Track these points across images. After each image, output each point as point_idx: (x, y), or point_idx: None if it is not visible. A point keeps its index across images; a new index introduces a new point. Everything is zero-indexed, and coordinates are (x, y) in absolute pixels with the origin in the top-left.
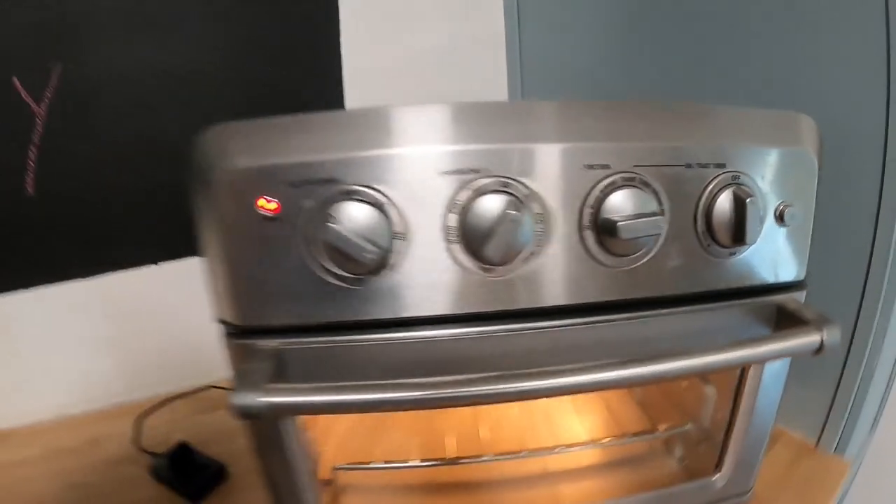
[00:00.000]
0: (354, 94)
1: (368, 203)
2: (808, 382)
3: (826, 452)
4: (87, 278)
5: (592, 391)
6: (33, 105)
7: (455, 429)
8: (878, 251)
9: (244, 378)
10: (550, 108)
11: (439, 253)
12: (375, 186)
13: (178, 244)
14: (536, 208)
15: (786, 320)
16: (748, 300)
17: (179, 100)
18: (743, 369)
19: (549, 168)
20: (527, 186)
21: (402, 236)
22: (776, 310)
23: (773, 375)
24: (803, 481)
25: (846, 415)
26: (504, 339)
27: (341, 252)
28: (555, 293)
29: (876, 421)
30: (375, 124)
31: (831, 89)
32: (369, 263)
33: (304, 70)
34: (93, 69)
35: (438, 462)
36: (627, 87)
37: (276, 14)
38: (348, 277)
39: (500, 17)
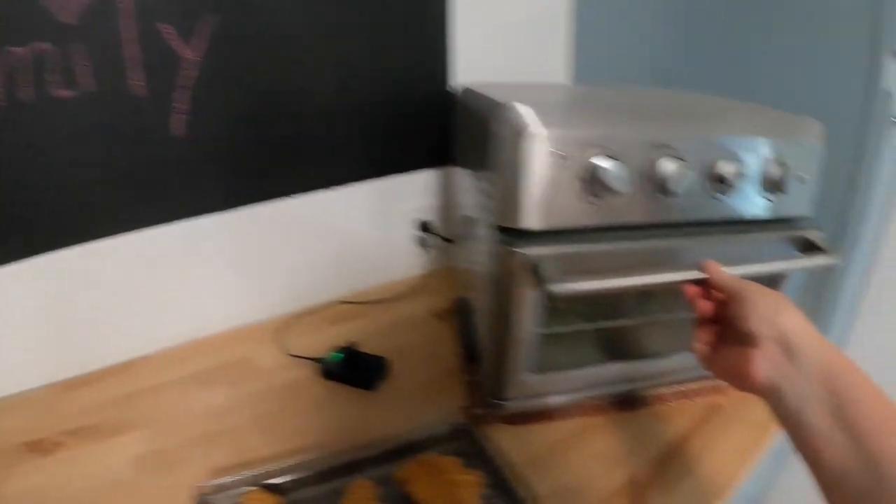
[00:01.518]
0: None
1: (613, 158)
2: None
3: None
4: (230, 210)
5: None
6: (188, 52)
7: None
8: (849, 205)
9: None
10: (696, 110)
11: (644, 187)
12: (617, 150)
13: (310, 183)
14: (691, 168)
15: (810, 247)
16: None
17: (320, 56)
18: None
19: (697, 148)
20: (686, 156)
21: (629, 179)
22: (804, 239)
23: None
24: None
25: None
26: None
27: (601, 182)
28: (695, 211)
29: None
30: (618, 111)
31: (820, 109)
32: (618, 189)
33: (414, 39)
34: (246, 23)
35: None
36: (666, 71)
37: None
38: (597, 199)
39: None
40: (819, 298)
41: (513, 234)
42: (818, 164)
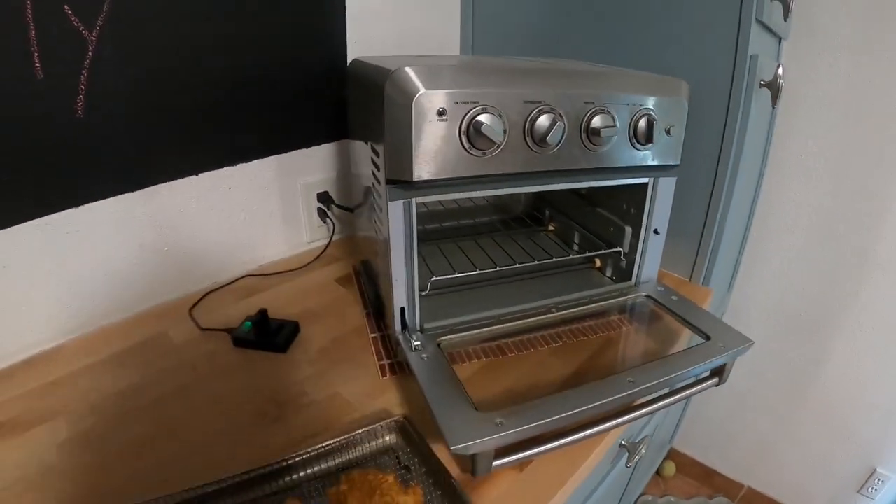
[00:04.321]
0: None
1: (493, 114)
2: (681, 240)
3: (696, 284)
4: (132, 192)
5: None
6: (85, 32)
7: None
8: (723, 154)
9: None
10: (572, 71)
11: (521, 141)
12: (495, 106)
13: (211, 159)
14: (564, 121)
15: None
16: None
17: (217, 34)
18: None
19: (570, 104)
20: (560, 112)
21: (506, 132)
22: None
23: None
24: None
25: (707, 259)
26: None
27: (483, 135)
28: (568, 160)
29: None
30: (497, 73)
31: (697, 74)
32: (496, 142)
33: (310, 14)
34: (142, 2)
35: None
36: (555, 46)
37: None
38: (478, 151)
39: None
40: (697, 244)
41: (404, 186)
42: (683, 118)
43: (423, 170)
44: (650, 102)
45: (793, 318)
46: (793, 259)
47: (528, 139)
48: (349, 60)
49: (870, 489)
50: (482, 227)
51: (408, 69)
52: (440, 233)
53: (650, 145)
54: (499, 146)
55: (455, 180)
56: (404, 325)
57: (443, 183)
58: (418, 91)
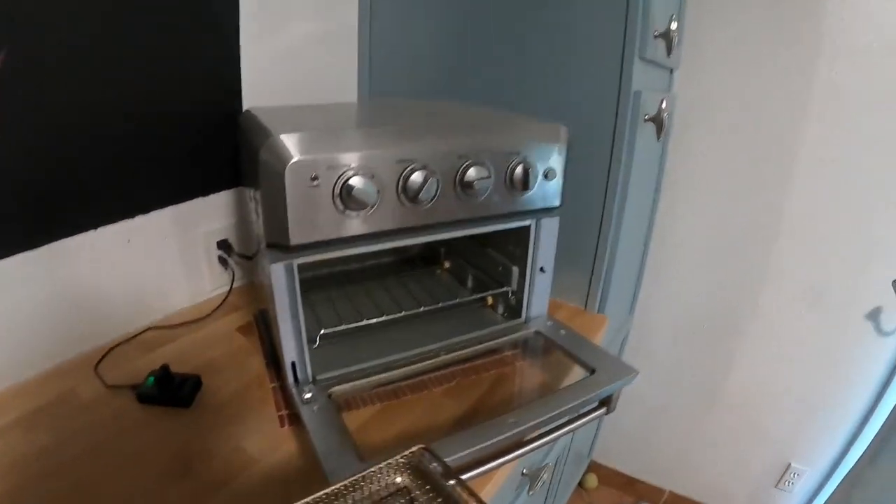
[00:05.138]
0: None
1: (365, 176)
2: (574, 272)
3: (591, 312)
4: (31, 250)
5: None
6: None
7: None
8: (610, 188)
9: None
10: (448, 125)
11: (395, 199)
12: (367, 168)
13: (110, 213)
14: (438, 177)
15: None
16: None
17: (114, 86)
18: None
19: (443, 159)
20: (433, 168)
21: (380, 192)
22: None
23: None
24: (579, 328)
25: (600, 288)
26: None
27: (356, 200)
28: (444, 213)
29: (638, 285)
30: (370, 135)
31: (583, 111)
32: (369, 203)
33: (205, 61)
34: (37, 53)
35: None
36: (449, 84)
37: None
38: (352, 212)
39: (354, 13)
40: (590, 274)
41: (283, 249)
42: (562, 163)
43: (300, 234)
44: (526, 151)
45: (698, 328)
46: (691, 274)
47: (402, 196)
48: (245, 107)
49: (787, 483)
50: (377, 269)
51: (283, 137)
52: (332, 279)
53: (527, 192)
54: (373, 206)
55: (333, 241)
56: (296, 379)
57: (321, 244)
58: (291, 159)
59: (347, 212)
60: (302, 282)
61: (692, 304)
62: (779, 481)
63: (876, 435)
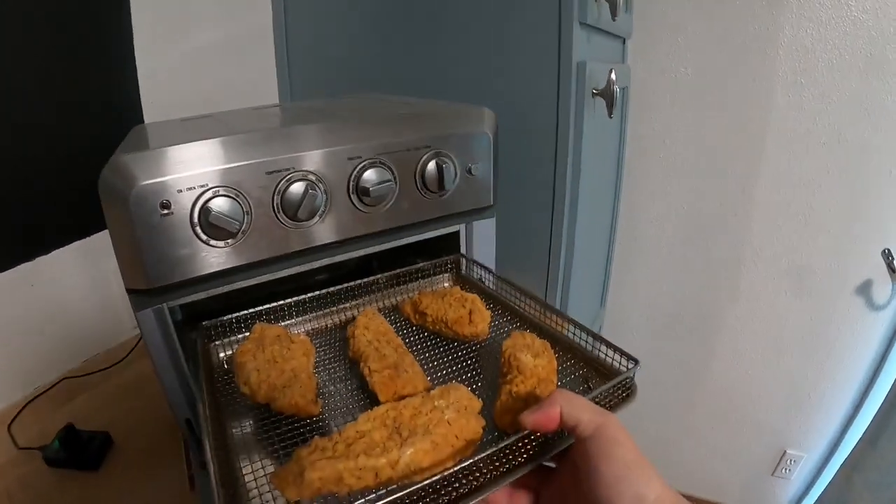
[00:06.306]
0: (148, 95)
1: (229, 196)
2: (529, 271)
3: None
4: None
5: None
6: None
7: None
8: (559, 177)
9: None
10: (335, 121)
11: (271, 219)
12: (229, 186)
13: (5, 258)
14: (323, 186)
15: None
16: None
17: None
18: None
19: (328, 163)
20: (316, 175)
21: (249, 213)
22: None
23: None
24: None
25: (559, 288)
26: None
27: (217, 227)
28: (340, 229)
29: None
30: (231, 143)
31: (521, 89)
32: (234, 231)
33: (104, 70)
34: None
35: None
36: (377, 76)
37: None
38: (220, 242)
39: (267, 14)
40: (546, 274)
41: (146, 293)
42: (489, 153)
43: (159, 275)
44: (438, 143)
45: (674, 320)
46: (664, 264)
47: (280, 215)
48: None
49: (784, 470)
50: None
51: (124, 157)
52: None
53: (446, 192)
54: (241, 232)
55: (203, 278)
56: (196, 437)
57: (190, 283)
58: (135, 184)
59: (213, 241)
60: (207, 313)
61: (666, 295)
62: (775, 469)
63: (875, 416)
